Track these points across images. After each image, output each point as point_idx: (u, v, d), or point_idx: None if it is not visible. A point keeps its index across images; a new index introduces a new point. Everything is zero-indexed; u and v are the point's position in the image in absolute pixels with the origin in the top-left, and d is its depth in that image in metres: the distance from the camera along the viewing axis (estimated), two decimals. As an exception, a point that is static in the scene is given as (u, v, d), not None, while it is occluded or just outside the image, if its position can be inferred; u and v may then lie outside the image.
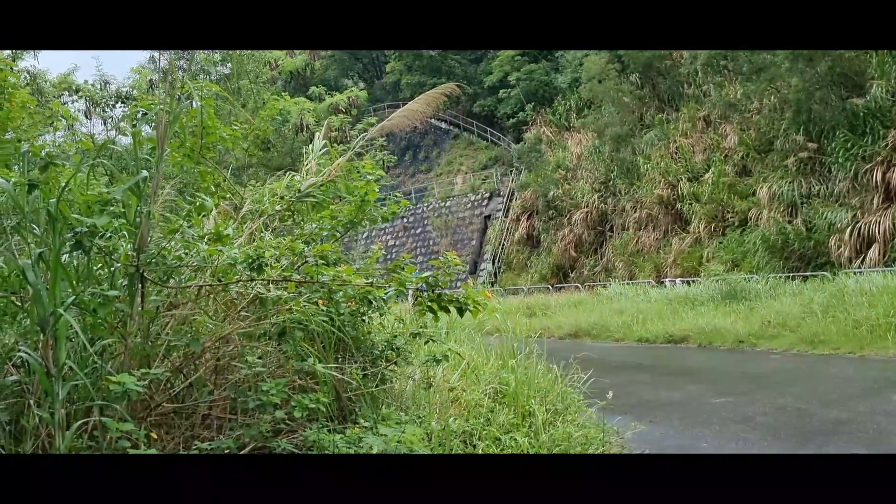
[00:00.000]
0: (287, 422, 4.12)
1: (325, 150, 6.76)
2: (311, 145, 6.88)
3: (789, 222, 21.16)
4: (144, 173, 3.94)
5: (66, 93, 29.36)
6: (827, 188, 21.10)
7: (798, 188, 21.52)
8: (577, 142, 35.32)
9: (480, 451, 4.99)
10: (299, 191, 6.02)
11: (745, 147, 24.61)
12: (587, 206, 31.05)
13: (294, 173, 6.54)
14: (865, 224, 18.98)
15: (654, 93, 31.24)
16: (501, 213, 38.09)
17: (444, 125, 47.82)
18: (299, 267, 4.82)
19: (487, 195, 39.86)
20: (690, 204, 25.55)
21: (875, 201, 19.20)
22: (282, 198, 5.96)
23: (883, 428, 6.75)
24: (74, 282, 3.78)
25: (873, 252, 18.50)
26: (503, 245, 36.70)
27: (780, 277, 18.37)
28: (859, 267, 18.11)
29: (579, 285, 28.07)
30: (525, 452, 5.17)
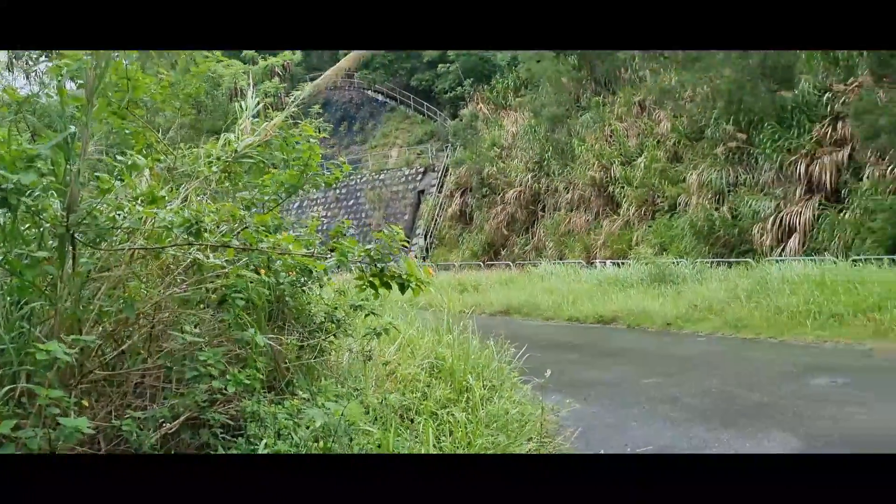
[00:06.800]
0: (223, 392, 3.98)
1: (258, 106, 6.53)
2: (242, 102, 6.61)
3: (716, 209, 21.70)
4: (72, 129, 3.71)
5: (-17, 42, 27.80)
6: (753, 178, 21.66)
7: (726, 176, 22.07)
8: (513, 121, 35.38)
9: (420, 426, 4.95)
10: (235, 151, 5.80)
11: (677, 134, 25.04)
12: (520, 185, 31.19)
13: (229, 134, 6.30)
14: (787, 214, 19.59)
15: (591, 75, 31.41)
16: (435, 188, 37.99)
17: (380, 97, 47.32)
18: (238, 233, 4.64)
19: (422, 170, 39.68)
20: (622, 187, 25.91)
21: (797, 192, 19.85)
22: (217, 158, 5.71)
23: (802, 411, 7.01)
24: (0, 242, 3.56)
25: (793, 241, 19.14)
26: (436, 220, 36.65)
27: (707, 262, 18.88)
28: (780, 255, 18.76)
29: (510, 263, 28.28)
30: (464, 427, 5.16)
